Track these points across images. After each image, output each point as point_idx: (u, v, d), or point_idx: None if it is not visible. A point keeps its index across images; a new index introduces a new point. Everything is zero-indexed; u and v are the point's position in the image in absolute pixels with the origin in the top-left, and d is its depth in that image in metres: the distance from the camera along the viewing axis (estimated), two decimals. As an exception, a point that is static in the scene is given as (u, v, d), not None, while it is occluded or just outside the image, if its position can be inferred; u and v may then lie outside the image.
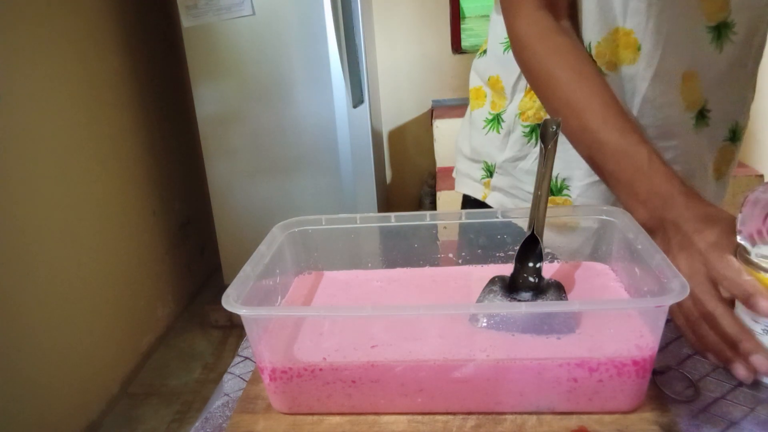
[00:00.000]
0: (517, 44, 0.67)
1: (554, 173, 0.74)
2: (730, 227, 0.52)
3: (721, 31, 0.67)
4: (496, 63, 0.79)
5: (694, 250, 0.52)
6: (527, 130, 0.75)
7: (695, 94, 0.69)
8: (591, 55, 0.67)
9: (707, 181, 0.75)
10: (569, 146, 0.66)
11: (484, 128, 0.82)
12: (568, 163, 0.73)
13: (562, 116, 0.63)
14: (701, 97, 0.69)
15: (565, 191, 0.75)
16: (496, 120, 0.79)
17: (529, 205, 0.78)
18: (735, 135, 0.75)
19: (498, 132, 0.79)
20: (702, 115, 0.70)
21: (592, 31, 0.67)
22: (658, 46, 0.65)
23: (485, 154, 0.83)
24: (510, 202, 0.81)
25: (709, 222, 0.53)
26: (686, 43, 0.66)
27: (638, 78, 0.67)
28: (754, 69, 0.73)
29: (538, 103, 0.74)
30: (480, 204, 0.85)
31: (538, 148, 0.75)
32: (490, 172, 0.82)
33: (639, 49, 0.66)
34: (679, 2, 0.65)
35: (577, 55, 0.64)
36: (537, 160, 0.75)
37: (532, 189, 0.76)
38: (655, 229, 0.57)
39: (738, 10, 0.66)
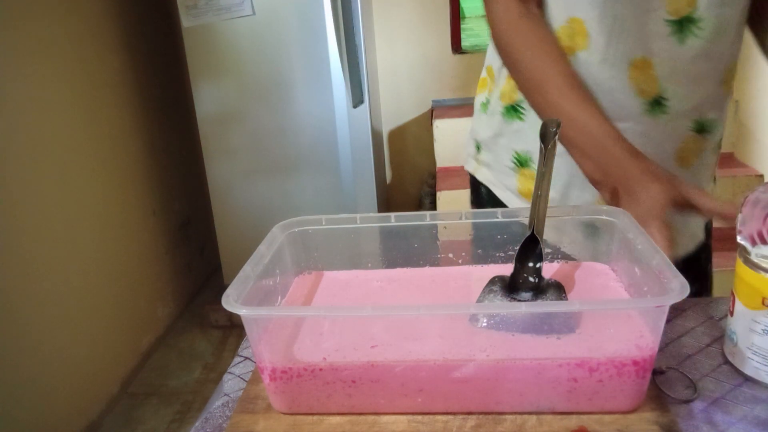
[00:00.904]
0: (492, 29, 0.76)
1: (523, 148, 0.82)
2: (670, 182, 0.61)
3: (683, 25, 0.69)
4: (491, 53, 0.87)
5: (639, 201, 0.60)
6: (503, 110, 0.84)
7: (650, 82, 0.72)
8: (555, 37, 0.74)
9: (669, 166, 0.77)
10: (536, 122, 0.71)
11: (479, 110, 0.91)
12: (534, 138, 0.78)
13: (526, 91, 0.73)
14: (657, 85, 0.72)
15: (530, 164, 0.82)
16: (487, 102, 0.88)
17: (506, 176, 0.85)
18: (703, 127, 0.77)
19: (486, 112, 0.88)
20: (658, 103, 0.73)
21: (553, 19, 0.73)
22: (602, 34, 0.70)
23: (477, 132, 0.92)
24: (492, 175, 0.88)
25: (652, 177, 0.61)
26: (636, 33, 0.70)
27: (589, 63, 0.72)
28: (727, 66, 0.74)
29: (512, 84, 0.81)
30: (478, 185, 0.92)
31: (513, 126, 0.83)
32: (479, 148, 0.92)
33: (588, 36, 0.71)
34: None
35: (541, 36, 0.72)
36: (512, 137, 0.83)
37: (510, 163, 0.85)
38: (601, 180, 0.66)
39: (706, 7, 0.68)
